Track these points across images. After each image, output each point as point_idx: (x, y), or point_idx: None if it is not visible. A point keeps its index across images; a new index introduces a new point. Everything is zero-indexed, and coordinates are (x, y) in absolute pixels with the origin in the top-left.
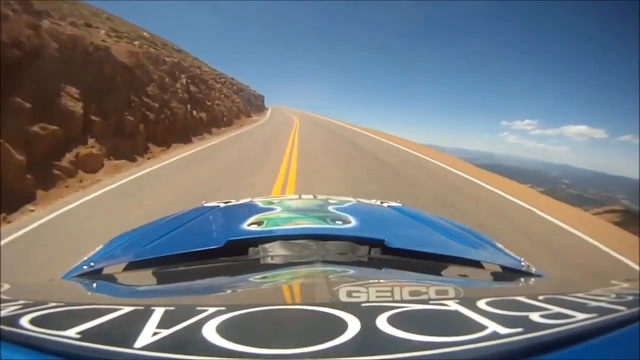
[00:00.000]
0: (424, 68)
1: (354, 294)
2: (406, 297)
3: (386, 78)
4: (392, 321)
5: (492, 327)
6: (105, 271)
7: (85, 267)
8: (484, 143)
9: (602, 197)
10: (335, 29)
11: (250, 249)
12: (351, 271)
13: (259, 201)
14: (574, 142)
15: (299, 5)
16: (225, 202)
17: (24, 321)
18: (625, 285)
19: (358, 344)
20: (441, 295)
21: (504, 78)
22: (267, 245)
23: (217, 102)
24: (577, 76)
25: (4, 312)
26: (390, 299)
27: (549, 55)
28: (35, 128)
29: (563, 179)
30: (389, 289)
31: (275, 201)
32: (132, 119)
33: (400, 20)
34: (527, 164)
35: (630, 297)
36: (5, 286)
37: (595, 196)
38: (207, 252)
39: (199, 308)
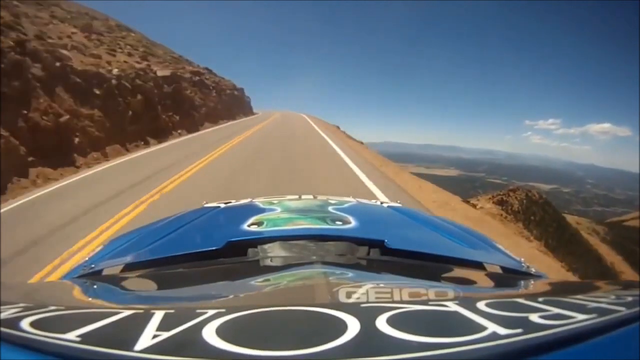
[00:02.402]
0: (444, 68)
1: (354, 295)
2: (406, 298)
3: (404, 79)
4: (392, 322)
5: (492, 327)
6: (105, 272)
7: (85, 268)
8: (507, 144)
9: (629, 197)
10: (348, 27)
11: (250, 250)
12: (351, 272)
13: (259, 202)
14: (597, 140)
15: (299, 6)
16: (226, 203)
17: (24, 324)
18: (625, 285)
19: (358, 345)
20: (441, 296)
21: (526, 77)
22: (266, 246)
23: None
24: (600, 73)
25: (4, 315)
26: (390, 299)
27: (572, 52)
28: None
29: (588, 179)
30: (389, 289)
31: (275, 201)
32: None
33: (419, 18)
34: (552, 163)
35: (630, 298)
36: (5, 287)
37: (622, 195)
38: (207, 253)
39: (198, 310)
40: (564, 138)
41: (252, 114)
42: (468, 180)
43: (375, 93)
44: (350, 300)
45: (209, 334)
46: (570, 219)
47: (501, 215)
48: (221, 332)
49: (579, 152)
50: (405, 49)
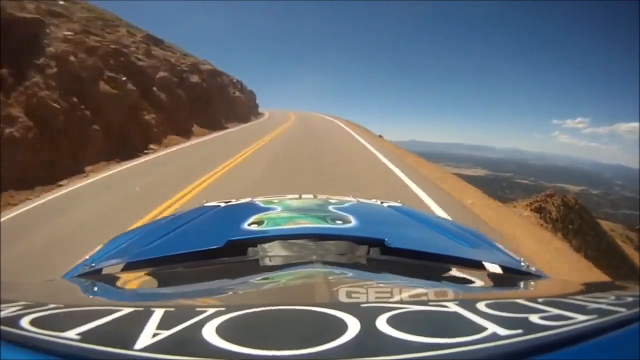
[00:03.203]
0: (472, 66)
1: (354, 295)
2: (406, 298)
3: (429, 76)
4: (392, 322)
5: (492, 328)
6: (105, 271)
7: (85, 267)
8: (535, 143)
9: None
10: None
11: (250, 249)
12: (351, 272)
13: (259, 201)
14: (625, 139)
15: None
16: (226, 202)
17: (24, 322)
18: (625, 286)
19: (358, 345)
20: (441, 296)
21: (555, 74)
22: (266, 245)
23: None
24: (630, 70)
25: (4, 313)
26: (390, 299)
27: (602, 48)
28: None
29: (616, 180)
30: (389, 289)
31: (275, 201)
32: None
33: (443, 13)
34: (579, 164)
35: (630, 299)
36: (5, 286)
37: None
38: (207, 252)
39: (198, 309)
40: (592, 137)
41: (257, 114)
42: (496, 180)
43: (398, 90)
44: (350, 300)
45: (209, 333)
46: (604, 224)
47: (541, 225)
48: (221, 330)
49: (606, 152)
50: (431, 45)
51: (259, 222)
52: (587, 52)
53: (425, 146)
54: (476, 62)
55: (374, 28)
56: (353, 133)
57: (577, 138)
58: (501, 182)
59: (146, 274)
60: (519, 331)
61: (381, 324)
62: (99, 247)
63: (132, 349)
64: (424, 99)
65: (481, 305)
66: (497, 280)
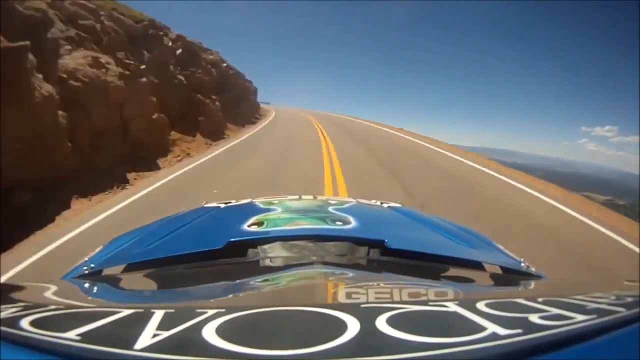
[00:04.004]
0: (501, 68)
1: (354, 295)
2: (405, 298)
3: (456, 77)
4: (392, 322)
5: (492, 328)
6: (105, 272)
7: (85, 268)
8: (562, 150)
9: None
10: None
11: (250, 250)
12: (350, 273)
13: (259, 202)
14: None
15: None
16: (226, 203)
17: (25, 323)
18: (625, 286)
19: (358, 345)
20: (441, 296)
21: (585, 79)
22: (266, 247)
23: None
24: None
25: (4, 314)
26: (390, 300)
27: (632, 54)
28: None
29: None
30: (389, 290)
31: (275, 202)
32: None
33: (477, 16)
34: (605, 173)
35: (630, 299)
36: (6, 287)
37: None
38: (208, 253)
39: (198, 310)
40: (619, 146)
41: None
42: None
43: (425, 92)
44: (350, 301)
45: (209, 334)
46: None
47: None
48: (221, 331)
49: (634, 162)
50: (459, 49)
51: (259, 223)
52: (621, 58)
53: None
54: (505, 65)
55: (401, 28)
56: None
57: (605, 146)
58: None
59: (146, 275)
60: (519, 331)
61: (381, 324)
62: (99, 248)
63: (132, 349)
64: (451, 101)
65: (481, 305)
66: (496, 281)
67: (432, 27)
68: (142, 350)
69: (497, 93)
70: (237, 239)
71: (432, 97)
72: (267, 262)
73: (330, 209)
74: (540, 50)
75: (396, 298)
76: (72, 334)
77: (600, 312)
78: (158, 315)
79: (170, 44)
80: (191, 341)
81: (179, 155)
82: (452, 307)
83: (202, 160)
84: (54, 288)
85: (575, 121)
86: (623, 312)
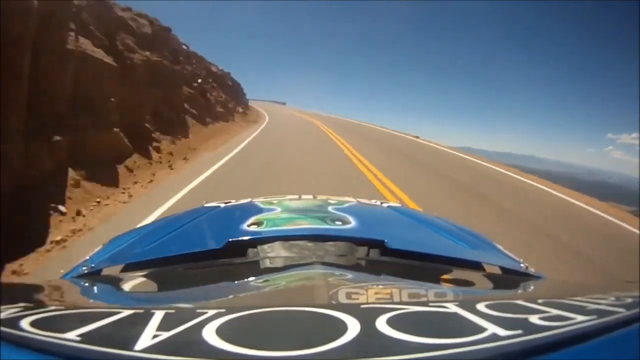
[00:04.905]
0: (525, 71)
1: (353, 296)
2: (405, 299)
3: (481, 78)
4: (392, 323)
5: (492, 329)
6: (104, 272)
7: (84, 268)
8: (588, 158)
9: None
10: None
11: (249, 250)
12: (350, 273)
13: (258, 202)
14: None
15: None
16: (225, 203)
17: (24, 323)
18: (625, 286)
19: (358, 346)
20: (441, 297)
21: (613, 82)
22: (266, 246)
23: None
24: None
25: (4, 314)
26: (390, 300)
27: None
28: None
29: None
30: (389, 290)
31: (275, 201)
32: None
33: (506, 20)
34: (631, 183)
35: (629, 299)
36: (5, 287)
37: None
38: (207, 253)
39: (198, 310)
40: None
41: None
42: None
43: (451, 96)
44: (350, 301)
45: (209, 334)
46: None
47: None
48: (221, 332)
49: None
50: (484, 52)
51: (259, 223)
52: None
53: (478, 153)
54: (530, 66)
55: (423, 29)
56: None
57: (631, 154)
58: None
59: (146, 275)
60: (519, 332)
61: (381, 324)
62: (98, 248)
63: (132, 350)
64: (475, 105)
65: (481, 306)
66: (496, 281)
67: (460, 28)
68: (142, 351)
69: (521, 97)
70: (236, 238)
71: (457, 102)
72: (267, 262)
73: (330, 208)
74: (568, 55)
75: (396, 299)
76: (72, 334)
77: (600, 313)
78: (158, 315)
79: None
80: (191, 342)
81: None
82: (452, 307)
83: None
84: (53, 288)
85: (602, 127)
86: (623, 312)
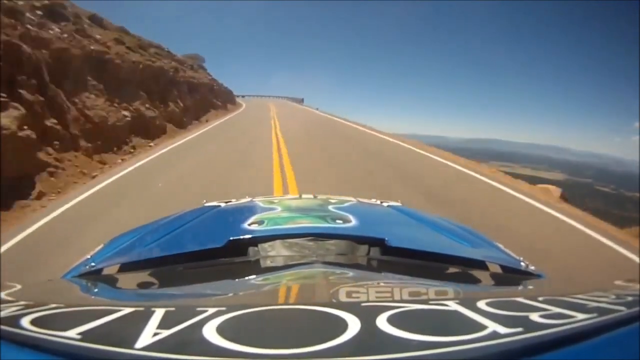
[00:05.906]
0: (550, 60)
1: (354, 294)
2: (406, 297)
3: (505, 68)
4: (392, 321)
5: (492, 327)
6: (105, 271)
7: (85, 267)
8: (615, 147)
9: None
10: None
11: (250, 249)
12: (351, 272)
13: (259, 201)
14: None
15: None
16: (226, 202)
17: (25, 322)
18: (625, 285)
19: (358, 344)
20: (441, 295)
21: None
22: (266, 245)
23: None
24: None
25: (4, 313)
26: (390, 298)
27: None
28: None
29: None
30: (389, 289)
31: (275, 201)
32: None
33: (530, 10)
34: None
35: (630, 298)
36: (6, 286)
37: None
38: (208, 251)
39: (199, 308)
40: None
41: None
42: (575, 186)
43: (478, 88)
44: (351, 299)
45: (210, 332)
46: None
47: None
48: (222, 330)
49: None
50: (510, 43)
51: (260, 222)
52: None
53: (504, 145)
54: (554, 57)
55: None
56: None
57: None
58: (581, 188)
59: (147, 274)
60: (519, 330)
61: (381, 322)
62: (99, 247)
63: (133, 348)
64: (500, 95)
65: (481, 304)
66: (497, 280)
67: (482, 25)
68: (142, 349)
69: (547, 86)
70: (237, 237)
71: (489, 95)
72: (268, 261)
73: (330, 207)
74: (589, 40)
75: (397, 297)
76: (73, 332)
77: (600, 311)
78: (159, 314)
79: None
80: (192, 340)
81: None
82: (453, 305)
83: None
84: (54, 287)
85: (629, 115)
86: (623, 310)
